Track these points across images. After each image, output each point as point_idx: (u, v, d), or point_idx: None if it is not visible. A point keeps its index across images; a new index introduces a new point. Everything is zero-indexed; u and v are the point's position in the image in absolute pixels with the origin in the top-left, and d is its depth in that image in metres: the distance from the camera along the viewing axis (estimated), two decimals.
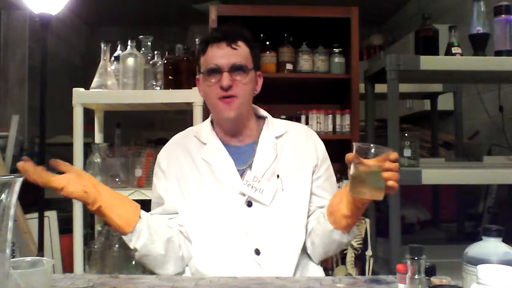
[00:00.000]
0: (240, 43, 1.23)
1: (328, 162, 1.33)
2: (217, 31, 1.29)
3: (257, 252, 1.19)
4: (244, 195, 1.22)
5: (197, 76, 1.30)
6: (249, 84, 1.24)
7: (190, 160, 1.28)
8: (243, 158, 1.28)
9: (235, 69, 1.21)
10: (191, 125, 1.90)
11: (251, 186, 1.22)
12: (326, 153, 1.34)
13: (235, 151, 1.28)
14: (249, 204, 1.23)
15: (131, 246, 1.18)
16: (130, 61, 2.07)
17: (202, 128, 1.34)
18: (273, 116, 1.38)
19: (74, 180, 1.10)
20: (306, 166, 1.27)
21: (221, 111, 1.23)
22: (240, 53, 1.22)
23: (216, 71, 1.20)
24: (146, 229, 1.19)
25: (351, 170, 1.06)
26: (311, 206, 1.27)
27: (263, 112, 1.36)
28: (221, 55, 1.20)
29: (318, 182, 1.29)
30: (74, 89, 2.06)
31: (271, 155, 1.26)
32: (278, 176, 1.24)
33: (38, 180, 1.07)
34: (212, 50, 1.22)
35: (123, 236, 1.18)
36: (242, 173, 1.25)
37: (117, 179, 2.05)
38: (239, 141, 1.30)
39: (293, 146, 1.29)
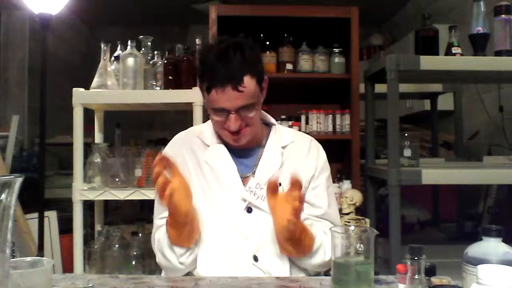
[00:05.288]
0: (246, 80, 1.13)
1: (328, 172, 1.33)
2: (220, 65, 1.12)
3: (255, 258, 1.19)
4: (245, 201, 1.22)
5: (198, 84, 1.27)
6: (258, 112, 1.21)
7: (194, 160, 1.27)
8: (246, 162, 1.27)
9: (243, 110, 1.16)
10: (191, 125, 1.90)
11: (254, 193, 1.21)
12: (327, 163, 1.34)
13: (238, 155, 1.27)
14: (249, 210, 1.22)
15: (180, 259, 1.17)
16: (130, 61, 2.07)
17: (204, 130, 1.32)
18: (273, 116, 1.37)
19: (183, 201, 1.10)
20: (303, 178, 1.24)
21: (229, 141, 1.23)
22: (246, 93, 1.14)
23: (223, 111, 1.16)
24: (196, 249, 1.20)
25: None
26: (305, 214, 1.25)
27: (271, 120, 1.35)
28: (226, 98, 1.13)
29: (316, 191, 1.28)
30: (74, 89, 2.06)
31: (276, 163, 1.25)
32: (280, 184, 1.22)
33: (161, 194, 1.06)
34: (217, 93, 1.13)
35: (176, 248, 1.17)
36: (244, 178, 1.25)
37: (117, 179, 2.05)
38: (243, 146, 1.27)
39: (296, 157, 1.28)
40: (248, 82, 1.14)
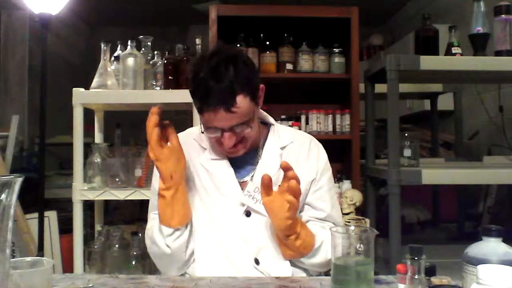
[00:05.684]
0: (239, 100, 1.09)
1: (329, 173, 1.31)
2: (212, 83, 1.08)
3: (257, 261, 1.19)
4: (243, 205, 1.21)
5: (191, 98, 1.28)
6: (253, 126, 1.18)
7: (190, 164, 1.26)
8: (244, 165, 1.26)
9: (237, 127, 1.14)
10: (191, 125, 1.91)
11: (252, 196, 1.20)
12: (328, 164, 1.32)
13: (236, 158, 1.25)
14: (248, 214, 1.21)
15: (166, 241, 1.18)
16: (130, 61, 2.07)
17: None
18: (273, 116, 1.36)
19: (172, 161, 1.14)
20: (304, 180, 1.22)
21: (225, 154, 1.23)
22: (239, 113, 1.10)
23: (216, 129, 1.14)
24: (187, 233, 1.20)
25: None
26: (307, 217, 1.26)
27: (270, 120, 1.33)
28: (219, 119, 1.11)
29: (318, 194, 1.27)
30: (74, 89, 2.06)
31: (275, 165, 1.22)
32: (279, 186, 1.21)
33: (149, 136, 1.13)
34: (209, 115, 1.11)
35: (164, 228, 1.17)
36: (243, 182, 1.24)
37: (117, 179, 2.05)
38: None
39: (296, 158, 1.26)
40: (241, 101, 1.10)
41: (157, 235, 1.19)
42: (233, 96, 1.09)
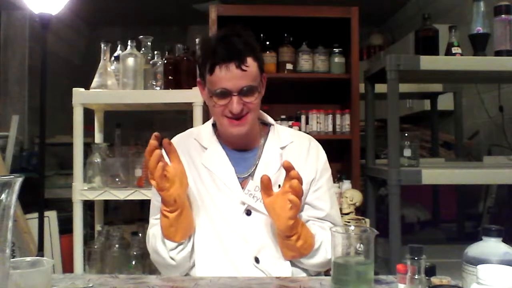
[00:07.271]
0: (249, 60, 1.15)
1: (328, 173, 1.31)
2: (223, 45, 1.14)
3: (257, 260, 1.19)
4: (244, 204, 1.21)
5: (198, 79, 1.27)
6: (258, 100, 1.20)
7: (191, 164, 1.26)
8: (244, 164, 1.26)
9: (245, 92, 1.16)
10: (191, 125, 1.91)
11: (253, 195, 1.20)
12: (327, 164, 1.32)
13: (237, 157, 1.26)
14: (248, 213, 1.21)
15: (170, 254, 1.17)
16: (130, 61, 2.07)
17: (202, 132, 1.32)
18: (272, 117, 1.36)
19: (175, 187, 1.11)
20: (304, 179, 1.19)
21: (229, 129, 1.20)
22: (249, 73, 1.15)
23: (225, 94, 1.16)
24: (190, 244, 1.20)
25: None
26: (307, 216, 1.26)
27: (269, 120, 1.34)
28: (229, 77, 1.14)
29: (317, 194, 1.27)
30: (74, 89, 2.06)
31: (275, 165, 1.23)
32: (279, 186, 1.20)
33: (152, 169, 1.08)
34: (221, 72, 1.14)
35: (167, 242, 1.17)
36: (243, 181, 1.24)
37: (117, 179, 2.05)
38: (241, 147, 1.28)
39: (295, 158, 1.25)
40: (251, 63, 1.16)
41: (161, 247, 1.19)
42: (244, 55, 1.14)
